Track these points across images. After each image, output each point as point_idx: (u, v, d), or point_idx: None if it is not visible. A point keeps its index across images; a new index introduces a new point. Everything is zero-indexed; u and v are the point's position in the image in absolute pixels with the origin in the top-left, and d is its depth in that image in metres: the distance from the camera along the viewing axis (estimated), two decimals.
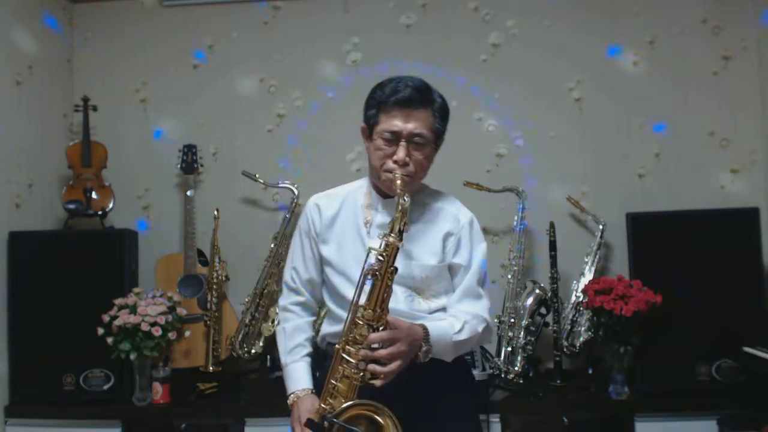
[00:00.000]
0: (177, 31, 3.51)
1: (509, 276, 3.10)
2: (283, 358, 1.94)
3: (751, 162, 3.26)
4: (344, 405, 1.59)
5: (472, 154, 3.34)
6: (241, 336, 3.12)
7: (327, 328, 1.92)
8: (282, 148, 3.44)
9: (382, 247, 1.65)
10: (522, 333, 2.99)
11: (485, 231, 3.12)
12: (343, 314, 1.73)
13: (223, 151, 3.47)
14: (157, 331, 2.83)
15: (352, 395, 1.63)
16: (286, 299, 2.00)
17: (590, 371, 3.07)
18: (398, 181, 1.74)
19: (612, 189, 3.29)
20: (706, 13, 3.31)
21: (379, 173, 1.82)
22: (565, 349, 3.04)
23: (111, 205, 3.24)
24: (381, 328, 1.64)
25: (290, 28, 3.48)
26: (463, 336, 1.76)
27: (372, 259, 1.66)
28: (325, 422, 1.57)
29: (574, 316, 3.08)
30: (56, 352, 2.90)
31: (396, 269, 1.66)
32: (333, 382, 1.66)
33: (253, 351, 3.11)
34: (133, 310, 2.83)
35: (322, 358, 1.93)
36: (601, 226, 3.16)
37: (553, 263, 3.04)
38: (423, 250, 1.84)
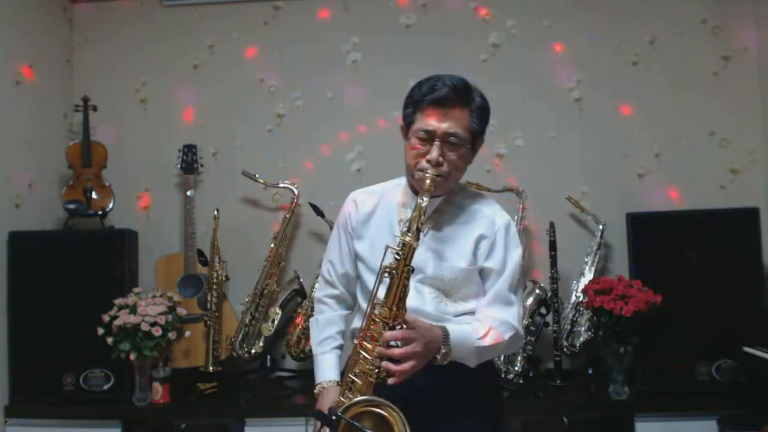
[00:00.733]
0: (177, 31, 3.52)
1: None
2: (314, 349, 1.94)
3: (751, 162, 3.26)
4: (351, 401, 1.60)
5: None
6: (241, 336, 3.12)
7: (356, 322, 1.91)
8: (282, 148, 3.44)
9: (398, 246, 1.64)
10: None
11: None
12: None
13: (223, 151, 3.47)
14: (157, 331, 2.82)
15: (368, 391, 1.63)
16: (321, 291, 2.00)
17: (590, 371, 3.07)
18: (427, 181, 1.71)
19: (612, 189, 3.29)
20: (706, 13, 3.31)
21: (413, 172, 1.79)
22: (565, 349, 3.04)
23: (111, 205, 3.24)
24: (398, 327, 1.63)
25: (290, 28, 3.48)
26: (486, 342, 1.71)
27: (390, 258, 1.65)
28: (332, 416, 1.56)
29: (574, 316, 3.08)
30: (56, 352, 2.90)
31: (413, 269, 1.64)
32: (351, 376, 1.66)
33: (253, 351, 3.11)
34: (133, 310, 2.83)
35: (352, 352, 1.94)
36: (601, 226, 3.16)
37: (553, 263, 3.04)
38: (454, 252, 1.81)
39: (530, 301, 3.04)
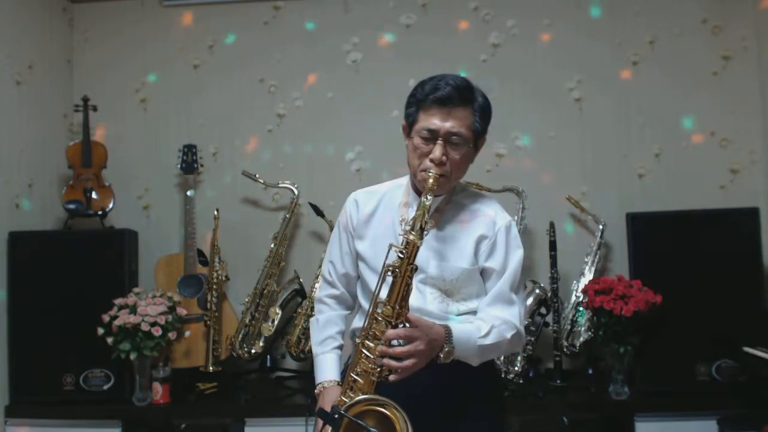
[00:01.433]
0: (177, 31, 3.52)
1: None
2: (314, 349, 1.94)
3: (751, 162, 3.26)
4: (354, 400, 1.60)
5: None
6: (241, 336, 3.12)
7: (357, 322, 1.91)
8: (282, 148, 3.45)
9: (402, 245, 1.64)
10: None
11: None
12: None
13: (223, 151, 3.47)
14: (157, 331, 2.82)
15: (370, 390, 1.63)
16: (322, 291, 2.00)
17: (590, 371, 3.07)
18: (430, 180, 1.71)
19: (612, 189, 3.30)
20: (706, 13, 3.31)
21: (416, 171, 1.79)
22: (565, 349, 3.04)
23: (111, 205, 3.24)
24: (401, 326, 1.63)
25: (290, 28, 3.48)
26: (488, 341, 1.71)
27: (393, 257, 1.65)
28: (335, 414, 1.56)
29: (574, 316, 3.08)
30: (56, 352, 2.90)
31: (416, 267, 1.64)
32: (353, 375, 1.66)
33: (253, 351, 3.11)
34: (133, 310, 2.83)
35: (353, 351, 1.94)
36: (601, 226, 3.16)
37: (553, 263, 3.04)
38: (455, 252, 1.81)
39: (530, 301, 3.04)
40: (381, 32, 3.44)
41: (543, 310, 3.05)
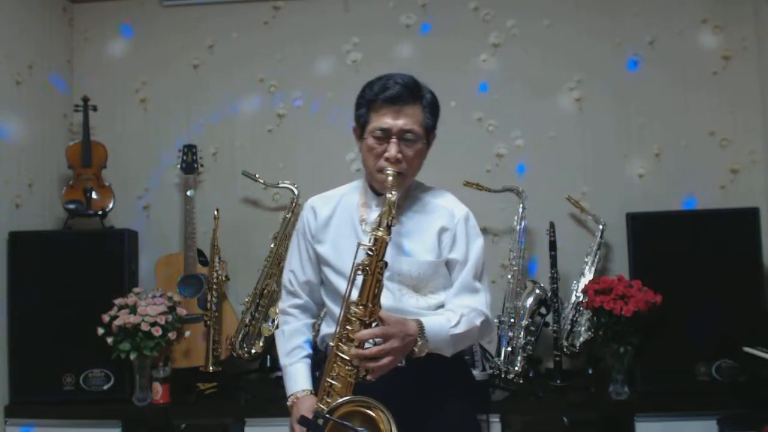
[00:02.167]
0: (177, 31, 3.52)
1: (509, 276, 3.10)
2: (282, 360, 1.94)
3: (751, 162, 3.26)
4: (337, 402, 1.59)
5: (472, 154, 3.34)
6: (241, 336, 3.12)
7: (325, 329, 1.92)
8: (282, 148, 3.44)
9: (371, 242, 1.65)
10: (522, 333, 3.00)
11: (485, 231, 3.14)
12: None
13: (223, 151, 3.47)
14: (157, 331, 2.83)
15: (348, 393, 1.63)
16: (285, 302, 2.01)
17: (590, 371, 3.07)
18: (390, 178, 1.75)
19: (612, 189, 3.29)
20: (706, 13, 3.31)
21: (372, 172, 1.83)
22: (565, 349, 3.04)
23: (111, 205, 3.24)
24: (374, 324, 1.64)
25: (290, 28, 3.48)
26: (460, 329, 1.75)
27: (362, 255, 1.66)
28: (319, 420, 1.56)
29: (574, 316, 3.08)
30: (56, 352, 2.90)
31: (386, 264, 1.66)
32: (329, 380, 1.67)
33: (253, 351, 3.11)
34: (133, 310, 2.83)
35: (322, 359, 1.93)
36: (601, 226, 3.16)
37: (553, 263, 3.04)
38: (418, 247, 1.84)
39: (530, 301, 3.04)
40: (381, 32, 3.43)
41: (543, 310, 3.05)
